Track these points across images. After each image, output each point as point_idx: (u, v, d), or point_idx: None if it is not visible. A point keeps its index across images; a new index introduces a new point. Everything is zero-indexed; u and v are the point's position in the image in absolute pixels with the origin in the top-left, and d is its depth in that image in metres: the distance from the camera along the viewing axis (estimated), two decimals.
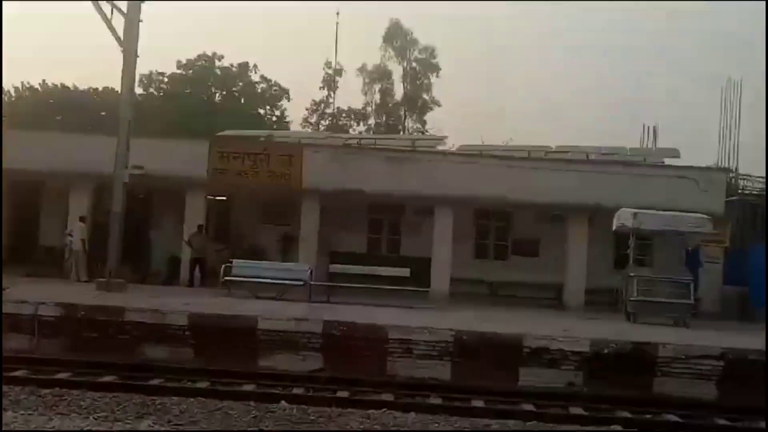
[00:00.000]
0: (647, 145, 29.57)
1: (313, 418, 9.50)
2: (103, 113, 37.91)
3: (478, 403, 10.94)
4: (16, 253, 22.10)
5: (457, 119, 59.16)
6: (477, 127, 66.85)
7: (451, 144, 34.44)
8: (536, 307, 20.29)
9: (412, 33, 49.06)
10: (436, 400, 11.04)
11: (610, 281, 20.73)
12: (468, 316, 16.39)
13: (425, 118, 50.16)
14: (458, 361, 13.42)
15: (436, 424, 9.48)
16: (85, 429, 8.37)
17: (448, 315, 16.46)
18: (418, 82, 49.80)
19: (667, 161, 24.01)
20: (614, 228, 19.17)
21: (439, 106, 50.05)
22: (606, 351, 13.27)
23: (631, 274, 18.02)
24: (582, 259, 21.24)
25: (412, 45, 49.37)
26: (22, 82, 43.17)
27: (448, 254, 21.30)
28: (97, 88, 42.98)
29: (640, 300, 17.67)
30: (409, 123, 50.12)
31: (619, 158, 23.95)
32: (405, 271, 18.75)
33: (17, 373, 11.03)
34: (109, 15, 18.00)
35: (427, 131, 47.65)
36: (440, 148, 30.08)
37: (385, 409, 10.09)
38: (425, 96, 50.05)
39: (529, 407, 10.93)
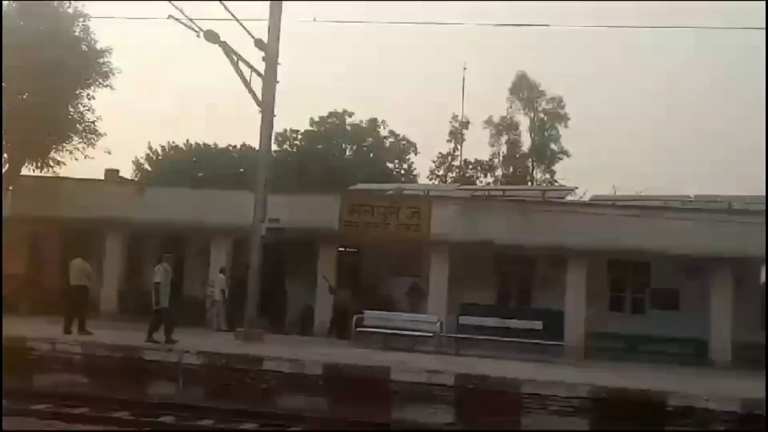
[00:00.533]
0: None
1: None
2: (241, 170, 39.50)
3: None
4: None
5: (587, 169, 58.16)
6: (608, 177, 65.20)
7: (582, 194, 33.87)
8: (677, 363, 19.25)
9: (539, 85, 48.79)
10: None
11: (759, 337, 19.44)
12: (604, 371, 15.81)
13: (554, 168, 49.25)
14: (595, 419, 12.91)
15: None
16: None
17: (583, 370, 15.94)
18: (546, 132, 49.19)
19: None
20: (763, 279, 18.12)
21: (567, 156, 49.10)
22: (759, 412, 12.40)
23: None
24: (727, 312, 20.12)
25: (539, 96, 49.00)
26: (168, 142, 45.96)
27: (581, 307, 20.73)
28: (235, 146, 45.06)
29: None
30: (538, 174, 49.48)
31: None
32: (537, 324, 18.37)
33: (164, 419, 11.54)
34: (248, 77, 18.98)
35: (556, 182, 46.82)
36: (570, 198, 29.61)
37: None
38: (553, 146, 49.30)
39: None
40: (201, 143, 45.58)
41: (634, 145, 65.26)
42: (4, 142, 23.17)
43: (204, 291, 21.96)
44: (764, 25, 19.93)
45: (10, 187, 23.94)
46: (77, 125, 24.08)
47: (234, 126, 79.91)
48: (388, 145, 48.93)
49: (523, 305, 22.82)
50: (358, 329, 18.51)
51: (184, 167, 42.86)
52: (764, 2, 18.71)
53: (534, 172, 49.47)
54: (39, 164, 24.01)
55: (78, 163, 24.65)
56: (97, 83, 24.08)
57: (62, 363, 14.81)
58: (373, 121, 48.47)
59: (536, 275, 23.28)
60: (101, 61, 23.92)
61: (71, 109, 23.85)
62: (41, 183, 24.13)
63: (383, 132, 48.87)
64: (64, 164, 24.41)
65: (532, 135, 49.47)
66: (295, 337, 19.99)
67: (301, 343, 18.09)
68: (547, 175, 48.98)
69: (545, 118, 49.28)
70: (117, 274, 23.16)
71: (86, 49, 23.69)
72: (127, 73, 24.82)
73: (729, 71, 65.05)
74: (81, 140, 24.29)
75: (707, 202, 24.12)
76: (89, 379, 14.45)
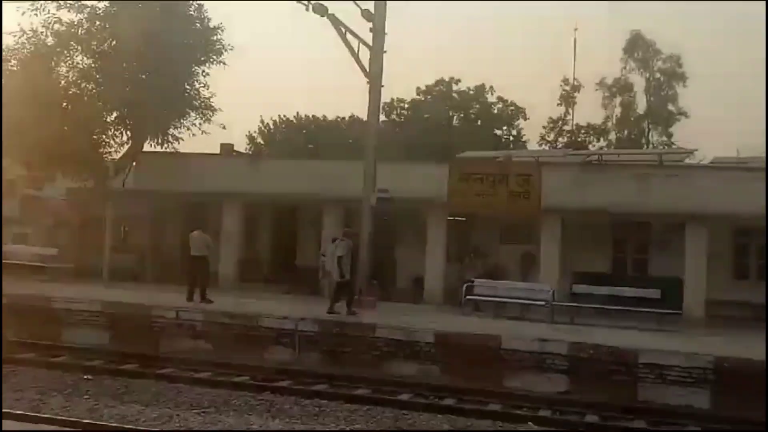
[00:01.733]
0: None
1: None
2: (350, 140, 39.94)
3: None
4: (276, 272, 24.03)
5: (708, 130, 55.45)
6: (731, 138, 61.46)
7: (702, 157, 32.35)
8: None
9: (655, 43, 46.66)
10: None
11: None
12: (727, 340, 15.17)
13: (671, 130, 47.12)
14: (717, 390, 12.44)
15: None
16: None
17: (704, 339, 15.35)
18: (662, 93, 47.10)
19: None
20: None
21: (686, 116, 46.82)
22: None
23: None
24: None
25: (656, 55, 46.89)
26: (279, 116, 46.97)
27: (702, 274, 19.88)
28: (344, 118, 45.60)
29: None
30: (653, 136, 47.56)
31: None
32: (655, 293, 17.78)
33: (282, 383, 11.95)
34: (355, 48, 19.09)
35: (673, 144, 44.83)
36: (689, 161, 28.38)
37: None
38: (671, 107, 47.14)
39: None
40: (310, 116, 46.30)
41: (760, 102, 61.56)
42: (127, 121, 24.33)
43: (317, 260, 22.39)
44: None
45: (134, 163, 25.19)
46: (194, 102, 24.91)
47: (342, 98, 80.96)
48: (496, 111, 48.22)
49: (638, 273, 22.10)
50: (467, 297, 18.47)
51: (294, 140, 43.80)
52: (764, 2, 16.77)
53: (650, 135, 47.62)
54: (159, 141, 25.04)
55: (195, 139, 25.56)
56: (211, 60, 24.77)
57: (186, 330, 15.57)
58: (481, 88, 47.85)
59: (653, 242, 22.47)
60: (214, 38, 24.58)
61: (187, 86, 24.68)
62: (161, 158, 25.24)
63: (491, 98, 48.19)
64: (182, 140, 25.37)
65: (648, 96, 47.50)
66: (406, 304, 20.06)
67: (412, 311, 18.21)
68: (664, 138, 46.95)
69: (662, 78, 47.14)
70: (235, 244, 23.87)
71: (200, 27, 24.41)
72: (239, 49, 25.35)
73: None
74: (198, 116, 25.11)
75: None
76: (210, 345, 15.12)
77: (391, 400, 11.09)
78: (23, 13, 23.30)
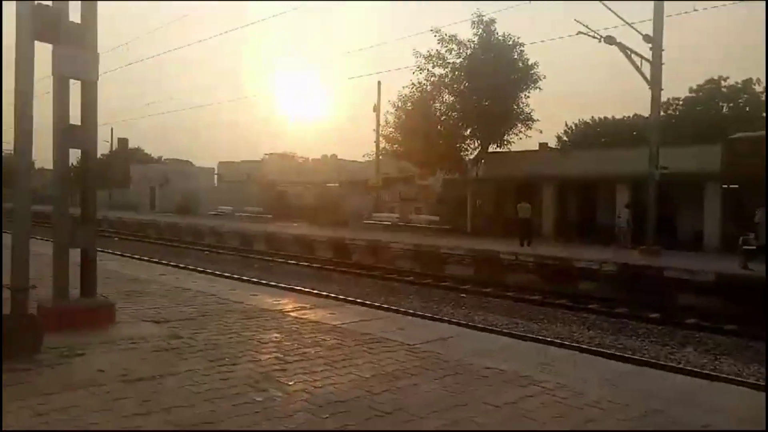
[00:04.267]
0: None
1: None
2: (634, 132, 36.29)
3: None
4: (580, 230, 22.79)
5: None
6: None
7: None
8: None
9: None
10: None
11: None
12: None
13: None
14: None
15: None
16: (617, 344, 8.16)
17: None
18: None
19: None
20: None
21: None
22: None
23: None
24: None
25: None
26: (579, 119, 44.18)
27: None
28: (628, 116, 41.36)
29: None
30: None
31: None
32: None
33: (592, 306, 11.28)
34: (638, 64, 17.14)
35: None
36: None
37: None
38: None
39: None
40: (602, 117, 42.93)
41: None
42: (477, 134, 25.03)
43: (613, 220, 20.75)
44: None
45: (482, 161, 25.85)
46: (519, 116, 24.76)
47: (623, 101, 74.03)
48: (763, 98, 39.26)
49: None
50: (744, 248, 15.35)
51: (591, 136, 40.98)
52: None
53: None
54: (498, 144, 25.37)
55: (521, 141, 25.40)
56: (530, 87, 24.36)
57: (520, 266, 15.63)
58: (748, 81, 39.42)
59: None
60: (532, 72, 24.08)
61: (515, 107, 24.57)
62: (500, 156, 25.53)
63: (758, 88, 39.37)
64: (513, 143, 25.43)
65: None
66: (686, 252, 17.52)
67: (692, 257, 15.89)
68: None
69: None
70: (551, 211, 23.20)
71: (522, 66, 24.06)
72: (550, 77, 24.47)
73: None
74: (522, 126, 24.95)
75: None
76: (538, 277, 14.99)
77: (680, 323, 9.88)
78: (413, 72, 25.26)
